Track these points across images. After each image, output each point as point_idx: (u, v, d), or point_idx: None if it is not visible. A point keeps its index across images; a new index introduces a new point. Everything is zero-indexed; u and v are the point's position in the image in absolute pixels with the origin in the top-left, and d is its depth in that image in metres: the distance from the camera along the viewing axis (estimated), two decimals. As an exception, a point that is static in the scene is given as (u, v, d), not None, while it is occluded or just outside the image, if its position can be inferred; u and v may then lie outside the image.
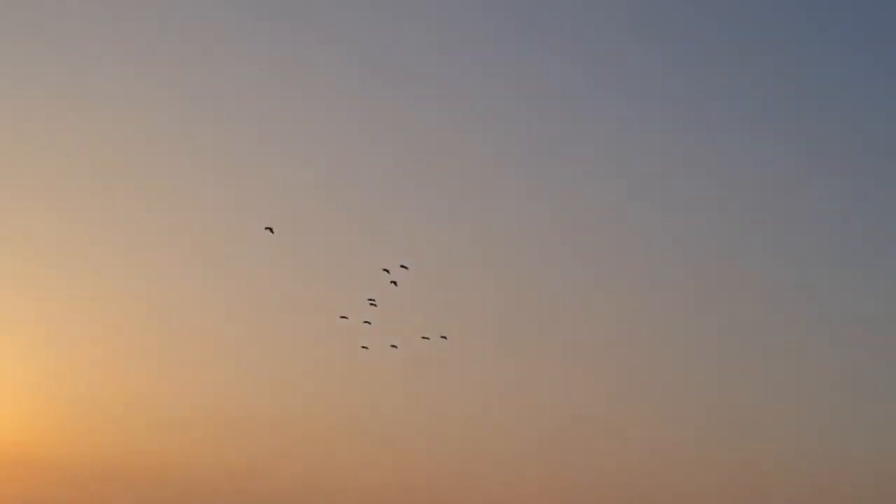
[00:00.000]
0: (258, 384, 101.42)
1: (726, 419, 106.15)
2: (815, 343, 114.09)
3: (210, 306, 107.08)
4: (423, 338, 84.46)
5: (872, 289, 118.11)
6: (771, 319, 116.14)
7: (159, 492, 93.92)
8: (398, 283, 77.82)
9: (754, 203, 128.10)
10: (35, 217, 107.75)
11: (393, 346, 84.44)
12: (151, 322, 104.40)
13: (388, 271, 78.10)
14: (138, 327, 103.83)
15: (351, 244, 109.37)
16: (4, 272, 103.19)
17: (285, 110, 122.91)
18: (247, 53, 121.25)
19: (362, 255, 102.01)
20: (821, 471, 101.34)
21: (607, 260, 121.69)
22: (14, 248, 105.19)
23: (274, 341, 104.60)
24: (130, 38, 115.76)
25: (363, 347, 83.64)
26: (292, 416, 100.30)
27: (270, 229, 78.05)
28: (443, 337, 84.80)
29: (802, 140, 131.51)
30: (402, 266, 78.18)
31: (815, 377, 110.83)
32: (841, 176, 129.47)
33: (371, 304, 79.57)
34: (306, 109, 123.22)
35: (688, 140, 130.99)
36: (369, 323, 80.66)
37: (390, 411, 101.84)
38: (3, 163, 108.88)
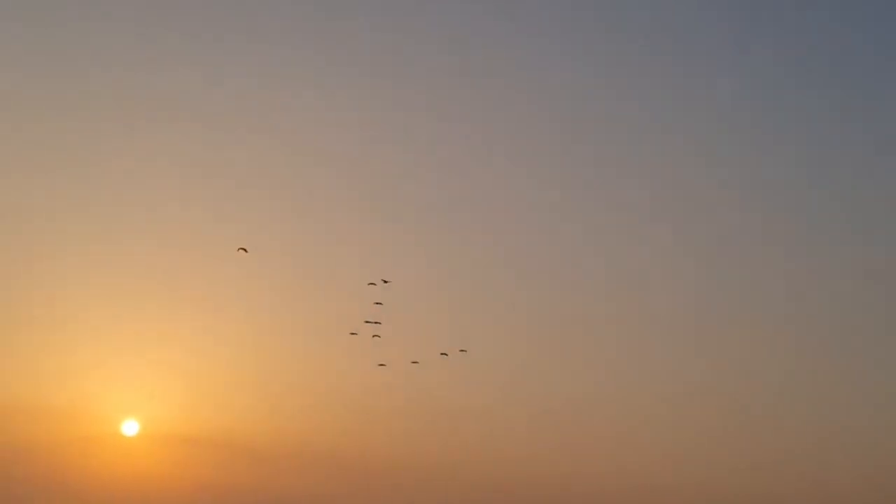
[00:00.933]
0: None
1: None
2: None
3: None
4: (442, 354, 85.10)
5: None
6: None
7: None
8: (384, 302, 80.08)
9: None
10: (240, 225, 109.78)
11: (414, 362, 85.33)
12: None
13: (374, 284, 79.45)
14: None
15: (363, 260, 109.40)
16: (216, 280, 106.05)
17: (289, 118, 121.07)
18: (235, 69, 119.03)
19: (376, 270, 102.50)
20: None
21: (621, 266, 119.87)
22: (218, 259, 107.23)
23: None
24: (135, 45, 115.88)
25: (380, 365, 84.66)
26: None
27: (244, 249, 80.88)
28: (462, 350, 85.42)
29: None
30: (384, 280, 79.29)
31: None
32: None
33: (374, 324, 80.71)
34: (308, 112, 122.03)
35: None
36: (378, 336, 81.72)
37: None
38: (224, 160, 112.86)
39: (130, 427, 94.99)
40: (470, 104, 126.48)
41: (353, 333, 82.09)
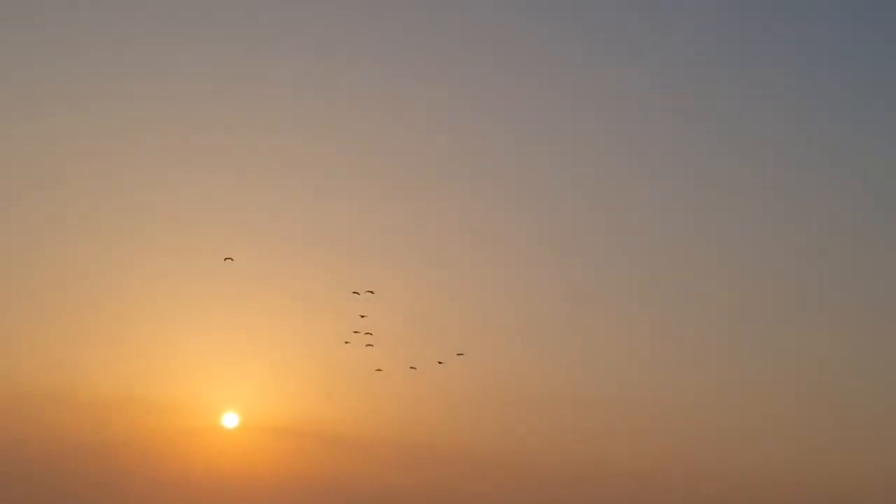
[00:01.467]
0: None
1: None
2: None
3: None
4: (439, 363, 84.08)
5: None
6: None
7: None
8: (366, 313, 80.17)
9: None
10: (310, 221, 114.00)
11: (412, 367, 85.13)
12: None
13: (357, 293, 79.32)
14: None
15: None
16: (313, 278, 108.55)
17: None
18: (237, 75, 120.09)
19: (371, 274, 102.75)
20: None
21: (623, 268, 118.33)
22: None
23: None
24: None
25: (377, 370, 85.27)
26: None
27: (230, 258, 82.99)
28: (459, 354, 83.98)
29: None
30: (369, 291, 79.18)
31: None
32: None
33: (365, 334, 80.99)
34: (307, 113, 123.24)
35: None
36: (372, 346, 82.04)
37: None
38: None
39: (231, 419, 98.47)
40: (466, 105, 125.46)
41: (346, 342, 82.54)
